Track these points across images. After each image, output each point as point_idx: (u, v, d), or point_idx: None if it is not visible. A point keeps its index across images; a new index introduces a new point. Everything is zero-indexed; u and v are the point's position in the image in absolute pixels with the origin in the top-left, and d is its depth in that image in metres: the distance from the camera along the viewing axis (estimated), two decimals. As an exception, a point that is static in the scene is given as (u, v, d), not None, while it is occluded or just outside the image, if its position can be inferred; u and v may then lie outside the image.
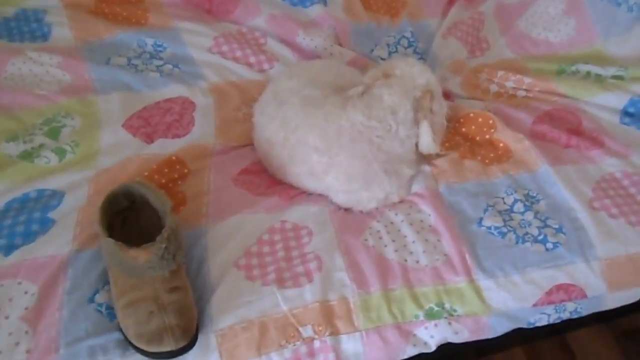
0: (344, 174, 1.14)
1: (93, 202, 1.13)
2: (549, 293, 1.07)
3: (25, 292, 0.99)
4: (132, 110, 1.33)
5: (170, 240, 0.95)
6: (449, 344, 1.06)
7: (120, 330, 0.95)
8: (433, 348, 1.03)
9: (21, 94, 1.34)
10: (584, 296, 1.08)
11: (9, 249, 1.05)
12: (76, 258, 1.04)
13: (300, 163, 1.16)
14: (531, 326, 1.10)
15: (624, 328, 1.58)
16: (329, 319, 0.99)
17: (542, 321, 1.10)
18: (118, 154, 1.23)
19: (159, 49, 1.49)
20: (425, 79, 1.18)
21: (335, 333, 0.98)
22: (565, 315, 1.10)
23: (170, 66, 1.45)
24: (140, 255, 0.93)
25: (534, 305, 1.06)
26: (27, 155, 1.22)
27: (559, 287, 1.07)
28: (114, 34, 1.50)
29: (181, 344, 0.89)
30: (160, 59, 1.47)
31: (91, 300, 0.99)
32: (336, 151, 1.13)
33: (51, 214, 1.11)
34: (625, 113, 1.36)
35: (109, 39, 1.50)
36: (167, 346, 0.89)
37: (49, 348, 0.92)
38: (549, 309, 1.08)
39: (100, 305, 0.98)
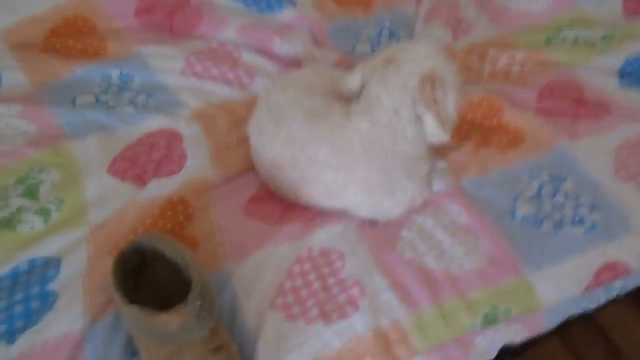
0: (363, 187, 1.06)
1: (96, 264, 1.01)
2: (596, 275, 1.03)
3: (44, 384, 0.87)
4: (114, 152, 1.21)
5: (204, 296, 0.85)
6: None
7: None
8: (494, 354, 0.98)
9: (-18, 153, 1.19)
10: (629, 271, 1.05)
11: (11, 336, 0.92)
12: (92, 332, 0.93)
13: (314, 183, 1.07)
14: (583, 310, 1.06)
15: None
16: (386, 346, 0.92)
17: (593, 304, 1.06)
18: (110, 204, 1.11)
19: (126, 79, 1.36)
20: (430, 63, 1.02)
21: (395, 361, 0.91)
22: (613, 295, 1.07)
23: (143, 97, 1.32)
24: (173, 319, 0.82)
25: (585, 290, 1.03)
26: (6, 223, 1.08)
27: (606, 267, 1.03)
28: (73, 70, 1.36)
29: None
30: (130, 90, 1.34)
31: (122, 377, 0.88)
32: (351, 165, 1.04)
33: (51, 286, 0.99)
34: (623, 74, 1.34)
35: (69, 77, 1.35)
36: None
37: None
38: (598, 292, 1.04)
39: (132, 381, 0.88)
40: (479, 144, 1.20)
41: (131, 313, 0.85)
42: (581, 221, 1.07)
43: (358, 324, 0.93)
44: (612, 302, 1.36)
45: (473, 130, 1.24)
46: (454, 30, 1.49)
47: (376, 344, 0.91)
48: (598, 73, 1.35)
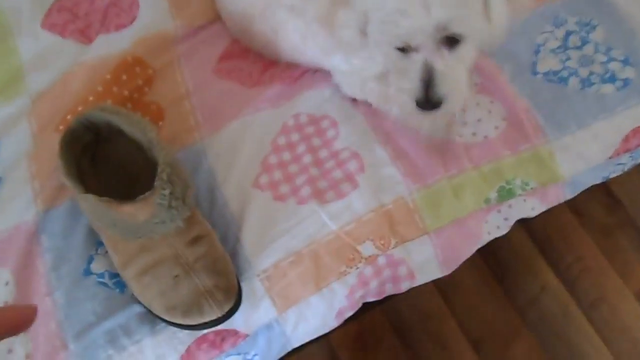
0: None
1: (42, 142, 0.85)
2: (625, 140, 0.90)
3: (-4, 281, 0.75)
4: (48, 1, 0.97)
5: (174, 181, 0.70)
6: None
7: (139, 302, 0.74)
8: (507, 230, 0.88)
9: None
10: (660, 133, 0.93)
11: (-47, 228, 0.78)
12: (47, 221, 0.79)
13: (288, 35, 0.87)
14: (604, 180, 0.95)
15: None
16: (389, 227, 0.80)
17: (617, 172, 0.95)
18: (51, 66, 0.92)
19: None
20: None
21: (399, 242, 0.80)
22: (638, 162, 0.96)
23: None
24: (140, 210, 0.69)
25: (611, 157, 0.90)
26: None
27: (636, 131, 0.90)
28: None
29: (226, 308, 0.70)
30: None
31: (88, 272, 0.76)
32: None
33: (-8, 169, 0.82)
34: None
35: None
36: (210, 314, 0.69)
37: (54, 346, 0.72)
38: (625, 158, 0.92)
39: (101, 275, 0.76)
40: (495, -15, 0.99)
41: (89, 203, 0.70)
42: (612, 78, 0.91)
43: (357, 203, 0.81)
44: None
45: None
46: None
47: (378, 226, 0.80)
48: None
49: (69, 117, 0.86)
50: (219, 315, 0.69)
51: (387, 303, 0.89)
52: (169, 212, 0.69)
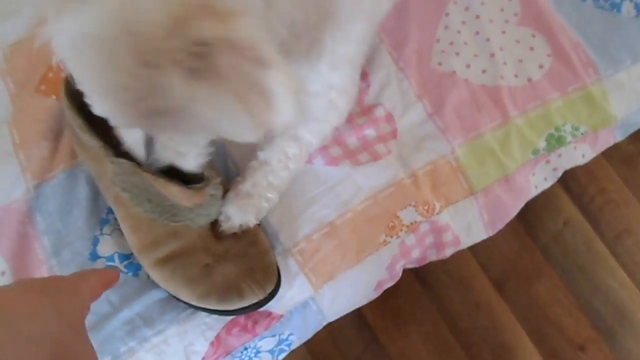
0: None
1: (23, 102, 0.72)
2: (683, 73, 0.80)
3: (-9, 271, 0.66)
4: None
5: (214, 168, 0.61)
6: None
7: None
8: (554, 181, 0.80)
9: None
10: None
11: None
12: (40, 197, 0.69)
13: None
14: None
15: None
16: (432, 189, 0.72)
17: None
18: (22, 13, 0.77)
19: None
20: None
21: (444, 206, 0.72)
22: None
23: None
24: (189, 196, 0.59)
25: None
26: None
27: (697, 62, 0.80)
28: None
29: (269, 288, 0.62)
30: None
31: (95, 255, 0.67)
32: None
33: (-33, 141, 0.71)
34: None
35: None
36: (252, 297, 0.61)
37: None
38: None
39: (110, 258, 0.67)
40: None
41: (121, 170, 0.59)
42: (672, 1, 0.80)
43: (395, 165, 0.71)
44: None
45: None
46: None
47: (417, 189, 0.71)
48: None
49: (50, 74, 0.73)
50: (261, 297, 0.62)
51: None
52: (217, 205, 0.60)
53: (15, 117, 0.72)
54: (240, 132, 0.43)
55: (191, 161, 0.56)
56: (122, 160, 0.59)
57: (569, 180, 1.32)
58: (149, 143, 0.55)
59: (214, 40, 0.38)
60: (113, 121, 0.44)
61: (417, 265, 0.76)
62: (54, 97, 0.72)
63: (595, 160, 1.37)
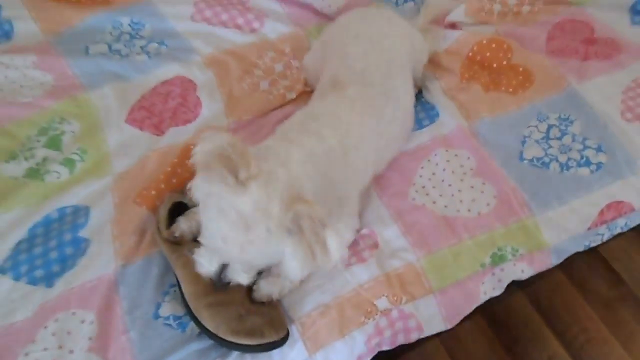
0: None
1: (122, 211, 1.06)
2: (601, 214, 1.08)
3: (82, 322, 0.94)
4: (131, 101, 1.23)
5: None
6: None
7: (202, 331, 0.92)
8: (502, 290, 1.04)
9: (3, 105, 1.21)
10: (632, 210, 1.10)
11: (49, 279, 0.99)
12: (124, 274, 0.99)
13: None
14: (586, 248, 1.11)
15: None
16: (401, 286, 0.98)
17: (597, 242, 1.11)
18: (131, 153, 1.15)
19: (137, 26, 1.36)
20: None
21: (410, 299, 0.98)
22: (617, 231, 1.12)
23: (155, 44, 1.33)
24: None
25: (589, 228, 1.07)
26: (33, 174, 1.12)
27: (609, 207, 1.08)
28: (83, 18, 1.36)
29: (282, 334, 0.89)
30: (142, 37, 1.34)
31: (156, 315, 0.95)
32: None
33: (82, 233, 1.04)
34: (634, 11, 1.33)
35: (80, 26, 1.35)
36: (270, 337, 0.88)
37: (130, 375, 0.89)
38: (602, 229, 1.09)
39: (167, 318, 0.95)
40: (488, 87, 1.22)
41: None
42: (587, 162, 1.10)
43: (374, 266, 0.99)
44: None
45: (482, 72, 1.25)
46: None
47: (392, 285, 0.98)
48: (609, 10, 1.34)
49: (144, 191, 1.08)
50: (276, 338, 0.88)
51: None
52: None
53: (116, 219, 1.05)
54: (301, 270, 0.79)
55: (246, 279, 0.86)
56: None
57: (553, 318, 1.51)
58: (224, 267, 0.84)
59: (303, 214, 0.73)
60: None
61: (391, 347, 0.98)
62: (144, 207, 1.06)
63: (578, 302, 1.57)
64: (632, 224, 1.13)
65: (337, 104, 0.99)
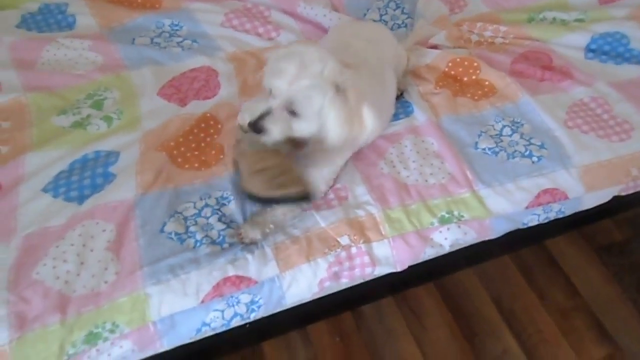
0: None
1: (146, 156, 1.31)
2: (537, 197, 1.28)
3: (104, 230, 1.17)
4: (163, 81, 1.51)
5: None
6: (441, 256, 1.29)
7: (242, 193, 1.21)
8: (447, 249, 1.25)
9: (60, 75, 1.50)
10: (566, 197, 1.31)
11: (81, 199, 1.23)
12: (141, 200, 1.22)
13: None
14: (525, 226, 1.32)
15: (601, 244, 1.83)
16: (361, 230, 1.20)
17: (534, 221, 1.32)
18: (158, 117, 1.41)
19: (176, 27, 1.67)
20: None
21: (367, 241, 1.19)
22: (552, 215, 1.33)
23: (189, 41, 1.63)
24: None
25: (526, 207, 1.28)
26: (78, 125, 1.39)
27: (546, 191, 1.29)
28: (134, 18, 1.68)
29: (306, 191, 1.13)
30: (179, 36, 1.65)
31: (162, 231, 1.17)
32: None
33: (112, 169, 1.29)
34: (588, 50, 1.59)
35: (130, 23, 1.67)
36: (294, 190, 1.12)
37: (134, 268, 1.11)
38: (538, 210, 1.30)
39: (170, 233, 1.17)
40: (457, 93, 1.47)
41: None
42: (530, 155, 1.33)
43: (340, 213, 1.21)
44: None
45: (453, 83, 1.50)
46: (452, 7, 1.76)
47: (353, 228, 1.19)
48: (568, 47, 1.60)
49: (165, 142, 1.33)
50: (299, 190, 1.12)
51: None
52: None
53: (139, 161, 1.30)
54: (340, 134, 1.06)
55: (277, 133, 1.09)
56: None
57: (512, 318, 1.68)
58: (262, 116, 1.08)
59: (350, 85, 1.02)
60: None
61: (350, 279, 1.19)
62: (163, 153, 1.31)
63: (536, 308, 1.74)
64: (567, 211, 1.34)
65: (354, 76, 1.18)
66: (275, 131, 1.09)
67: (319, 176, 1.21)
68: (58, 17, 1.67)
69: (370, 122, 1.05)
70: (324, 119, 1.09)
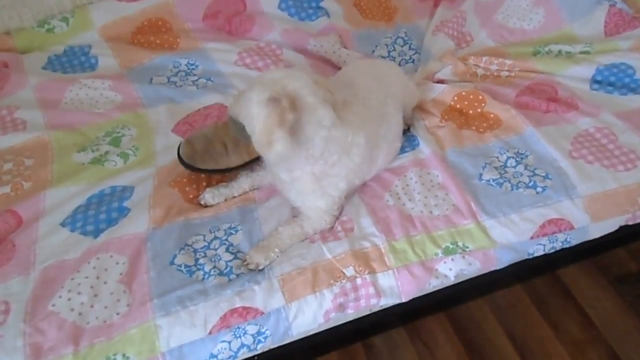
0: None
1: (159, 191, 1.37)
2: (542, 227, 1.29)
3: (117, 263, 1.22)
4: (178, 118, 1.58)
5: None
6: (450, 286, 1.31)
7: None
8: (452, 279, 1.26)
9: (82, 114, 1.58)
10: (572, 227, 1.31)
11: (96, 233, 1.28)
12: (153, 234, 1.27)
13: None
14: (530, 257, 1.32)
15: (616, 274, 1.81)
16: (366, 261, 1.22)
17: (539, 251, 1.32)
18: (172, 153, 1.46)
19: (192, 67, 1.74)
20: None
21: (372, 272, 1.21)
22: (558, 245, 1.33)
23: (204, 80, 1.70)
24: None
25: (531, 237, 1.29)
26: (96, 161, 1.46)
27: (550, 222, 1.30)
28: (152, 58, 1.76)
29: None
30: (194, 75, 1.72)
31: (172, 263, 1.22)
32: None
33: (126, 204, 1.34)
34: (594, 81, 1.61)
35: (148, 63, 1.75)
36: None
37: (145, 300, 1.15)
38: (544, 240, 1.31)
39: (180, 266, 1.21)
40: (462, 126, 1.50)
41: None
42: (534, 185, 1.34)
43: (346, 245, 1.24)
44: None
45: (458, 116, 1.53)
46: (458, 42, 1.81)
47: (358, 259, 1.22)
48: (573, 79, 1.62)
49: (178, 178, 1.39)
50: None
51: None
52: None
53: (153, 196, 1.35)
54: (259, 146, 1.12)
55: None
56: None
57: (526, 352, 1.66)
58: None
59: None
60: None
61: (355, 310, 1.21)
62: (176, 189, 1.36)
63: (550, 340, 1.73)
64: (574, 241, 1.34)
65: (346, 113, 1.25)
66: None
67: (315, 207, 1.24)
68: (82, 59, 1.77)
69: (279, 147, 1.10)
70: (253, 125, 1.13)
